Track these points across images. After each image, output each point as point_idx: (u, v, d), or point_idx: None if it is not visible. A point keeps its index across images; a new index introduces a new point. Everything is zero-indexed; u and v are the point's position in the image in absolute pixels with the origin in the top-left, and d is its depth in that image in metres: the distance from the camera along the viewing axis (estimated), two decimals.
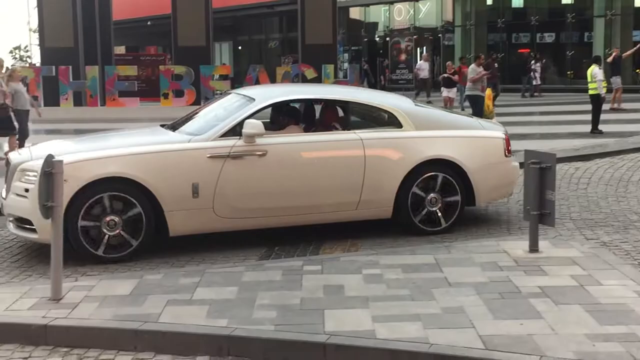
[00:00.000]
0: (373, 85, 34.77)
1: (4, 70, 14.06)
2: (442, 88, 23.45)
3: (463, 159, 7.59)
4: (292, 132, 7.66)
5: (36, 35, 74.12)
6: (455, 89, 23.07)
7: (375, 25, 43.60)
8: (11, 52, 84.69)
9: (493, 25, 36.66)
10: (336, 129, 7.80)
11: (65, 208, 6.10)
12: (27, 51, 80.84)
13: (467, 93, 17.25)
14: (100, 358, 4.71)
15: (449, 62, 25.92)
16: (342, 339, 4.57)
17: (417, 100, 11.79)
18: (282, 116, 8.13)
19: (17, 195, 6.76)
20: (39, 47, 26.95)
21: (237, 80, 25.24)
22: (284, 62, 28.83)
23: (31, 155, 7.08)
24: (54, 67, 22.15)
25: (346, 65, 36.19)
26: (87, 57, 22.98)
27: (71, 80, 22.33)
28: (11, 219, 6.94)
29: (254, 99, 7.60)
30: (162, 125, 8.46)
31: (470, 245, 7.02)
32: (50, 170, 5.37)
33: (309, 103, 8.37)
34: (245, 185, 7.02)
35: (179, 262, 6.91)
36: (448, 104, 22.43)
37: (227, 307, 5.21)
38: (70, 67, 22.17)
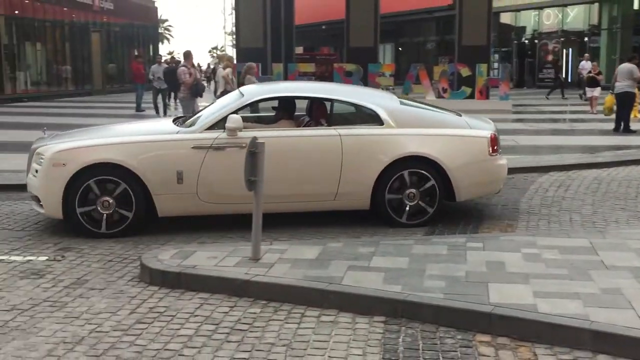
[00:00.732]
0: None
1: (221, 67, 14.95)
2: (586, 88, 22.58)
3: (441, 156, 7.23)
4: (284, 127, 7.68)
5: (230, 37, 79.16)
6: (599, 88, 22.01)
7: (524, 28, 43.23)
8: (209, 51, 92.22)
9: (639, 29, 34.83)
10: (322, 125, 7.62)
11: (65, 188, 6.73)
12: (222, 50, 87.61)
13: (616, 91, 16.29)
14: (293, 311, 4.95)
15: (594, 63, 24.85)
16: (506, 310, 4.57)
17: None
18: (278, 112, 8.23)
19: (33, 175, 7.17)
20: (233, 48, 28.32)
21: (398, 77, 25.28)
22: (440, 62, 28.53)
23: (48, 141, 7.44)
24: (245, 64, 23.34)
25: (497, 64, 35.30)
26: (273, 56, 24.07)
27: (260, 75, 23.35)
28: (31, 195, 7.32)
29: (243, 95, 7.66)
30: (177, 118, 8.61)
31: (624, 232, 6.71)
32: (254, 150, 5.65)
33: (296, 100, 8.21)
34: (226, 174, 6.96)
35: (355, 232, 7.11)
36: (592, 103, 21.51)
37: (400, 275, 5.33)
38: (260, 64, 23.18)
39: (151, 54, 44.14)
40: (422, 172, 7.23)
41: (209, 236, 7.09)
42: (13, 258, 6.30)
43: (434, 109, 8.48)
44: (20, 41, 30.15)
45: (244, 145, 6.42)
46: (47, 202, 6.93)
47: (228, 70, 15.22)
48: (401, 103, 8.03)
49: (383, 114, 7.38)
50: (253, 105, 8.15)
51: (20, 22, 29.85)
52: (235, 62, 23.22)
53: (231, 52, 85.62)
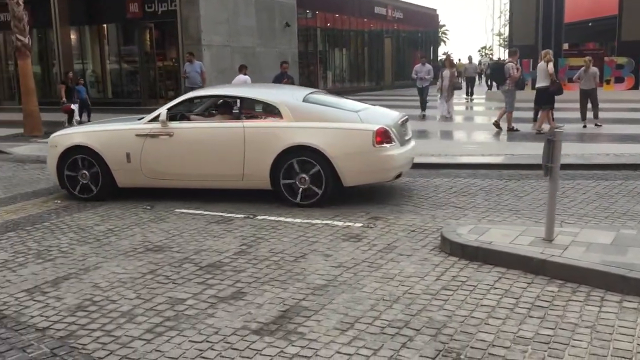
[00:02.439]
0: None
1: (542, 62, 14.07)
2: None
3: (325, 146, 7.09)
4: (218, 120, 8.02)
5: (497, 37, 76.68)
6: None
7: None
8: (479, 50, 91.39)
9: None
10: (238, 118, 7.84)
11: (57, 163, 8.00)
12: (490, 50, 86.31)
13: None
14: (591, 294, 4.37)
15: None
16: None
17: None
18: (218, 108, 8.58)
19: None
20: (500, 47, 27.08)
21: None
22: None
23: (68, 130, 8.80)
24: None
25: None
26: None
27: (531, 70, 22.01)
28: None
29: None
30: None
31: None
32: (552, 139, 5.13)
33: (224, 99, 8.53)
34: (159, 156, 7.67)
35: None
36: None
37: None
38: (530, 60, 21.78)
39: (431, 55, 44.15)
40: (308, 159, 7.16)
41: (497, 215, 6.72)
42: (335, 223, 6.58)
43: (338, 105, 7.85)
44: (330, 47, 32.21)
45: (171, 134, 7.61)
46: (50, 170, 8.39)
47: (550, 64, 14.24)
48: (304, 100, 7.65)
49: (284, 110, 7.41)
50: (185, 103, 8.36)
51: (331, 33, 31.82)
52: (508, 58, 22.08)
53: (498, 51, 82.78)
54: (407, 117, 8.14)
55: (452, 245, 5.38)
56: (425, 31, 45.26)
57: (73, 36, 23.02)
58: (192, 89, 16.27)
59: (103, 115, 19.16)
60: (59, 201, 7.95)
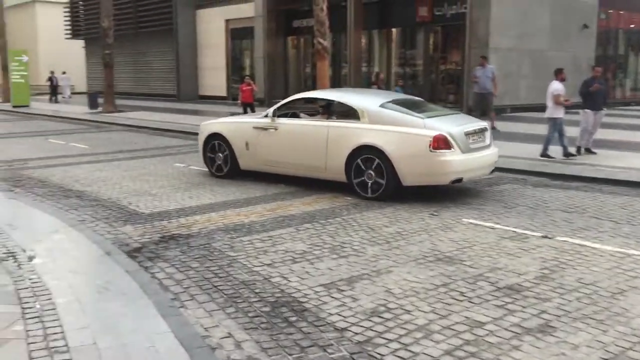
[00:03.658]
0: None
1: None
2: None
3: (387, 146, 7.82)
4: (315, 119, 9.25)
5: None
6: None
7: None
8: None
9: None
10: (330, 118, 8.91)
11: (202, 146, 10.09)
12: None
13: None
14: None
15: None
16: None
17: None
18: (322, 108, 9.68)
19: None
20: None
21: None
22: None
23: (212, 120, 10.59)
24: None
25: None
26: None
27: None
28: None
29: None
30: None
31: None
32: None
33: (320, 101, 9.82)
34: (267, 145, 9.13)
35: None
36: None
37: None
38: None
39: None
40: (372, 156, 7.92)
41: None
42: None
43: (409, 112, 8.18)
44: (634, 51, 28.58)
45: (277, 128, 8.98)
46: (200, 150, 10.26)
47: None
48: (381, 105, 8.28)
49: (361, 113, 8.28)
50: (289, 105, 9.45)
51: (635, 35, 28.23)
52: None
53: None
54: (483, 126, 8.43)
55: None
56: None
57: (363, 40, 24.28)
58: (481, 95, 15.76)
59: None
60: (349, 198, 8.21)
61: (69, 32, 40.67)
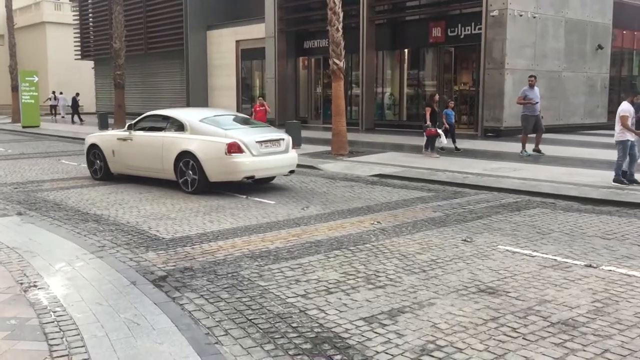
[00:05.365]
0: None
1: None
2: None
3: (198, 151, 9.99)
4: (155, 131, 11.05)
5: None
6: None
7: None
8: None
9: None
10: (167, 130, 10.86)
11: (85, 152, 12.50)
12: None
13: None
14: None
15: None
16: None
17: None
18: (156, 123, 11.29)
19: None
20: None
21: None
22: None
23: (94, 134, 13.15)
24: None
25: None
26: None
27: None
28: None
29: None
30: None
31: None
32: None
33: (163, 117, 11.28)
34: (125, 153, 11.30)
35: None
36: None
37: None
38: None
39: None
40: (189, 159, 10.10)
41: None
42: None
43: (219, 125, 10.34)
44: None
45: (132, 139, 11.05)
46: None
47: None
48: (201, 120, 10.43)
49: (186, 126, 10.38)
50: (145, 120, 11.41)
51: None
52: None
53: None
54: (279, 137, 10.63)
55: None
56: None
57: (376, 61, 24.18)
58: (535, 117, 14.53)
59: (395, 137, 19.67)
60: (375, 223, 7.94)
61: (78, 52, 40.84)
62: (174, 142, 10.43)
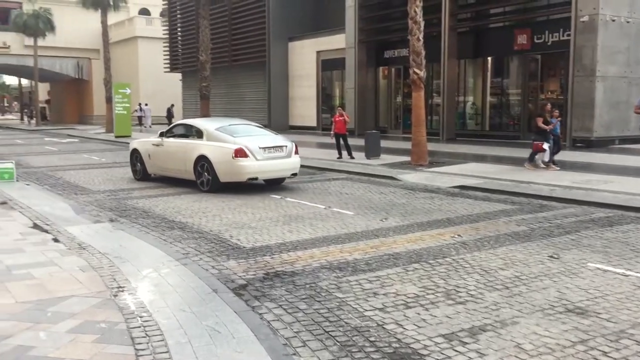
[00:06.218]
0: None
1: None
2: None
3: (211, 155, 11.58)
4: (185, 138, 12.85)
5: None
6: None
7: None
8: None
9: None
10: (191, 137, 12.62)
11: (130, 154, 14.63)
12: None
13: None
14: None
15: None
16: None
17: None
18: (182, 131, 13.19)
19: None
20: None
21: None
22: None
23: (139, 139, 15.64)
24: None
25: None
26: None
27: None
28: None
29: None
30: None
31: None
32: None
33: (188, 126, 13.15)
34: (160, 156, 13.06)
35: None
36: None
37: None
38: None
39: None
40: (204, 162, 11.76)
41: None
42: None
43: (231, 133, 11.99)
44: None
45: (163, 144, 12.91)
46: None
47: None
48: (216, 129, 12.12)
49: (205, 133, 12.14)
50: (175, 128, 13.47)
51: None
52: None
53: None
54: (282, 144, 12.04)
55: None
56: None
57: (457, 69, 23.76)
58: None
59: (477, 148, 19.22)
60: (456, 236, 7.77)
61: (167, 65, 42.66)
62: (194, 147, 12.04)
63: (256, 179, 11.77)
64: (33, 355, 3.92)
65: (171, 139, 12.92)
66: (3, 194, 11.19)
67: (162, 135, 13.22)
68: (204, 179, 11.71)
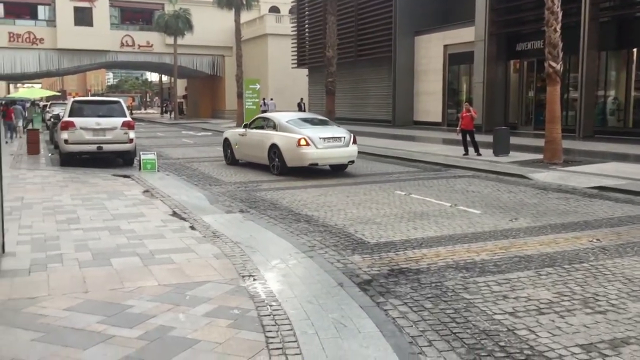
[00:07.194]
0: None
1: None
2: None
3: (280, 144, 13.54)
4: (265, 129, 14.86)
5: None
6: None
7: None
8: None
9: None
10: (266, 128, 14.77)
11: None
12: None
13: None
14: None
15: None
16: None
17: None
18: (261, 123, 15.26)
19: None
20: None
21: None
22: None
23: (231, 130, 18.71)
24: None
25: None
26: None
27: None
28: None
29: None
30: None
31: None
32: None
33: (266, 119, 15.19)
34: (244, 144, 15.30)
35: None
36: None
37: None
38: None
39: None
40: (275, 150, 13.76)
41: None
42: None
43: (298, 124, 14.03)
44: None
45: (246, 134, 15.24)
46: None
47: None
48: (286, 121, 14.12)
49: (277, 124, 14.10)
50: (257, 120, 15.46)
51: None
52: None
53: None
54: (340, 135, 13.71)
55: None
56: None
57: (597, 62, 22.20)
58: None
59: (619, 146, 17.83)
60: (594, 240, 7.28)
61: (294, 61, 43.81)
62: (268, 137, 14.09)
63: (317, 164, 13.84)
64: (174, 336, 4.20)
65: (253, 130, 15.07)
66: (147, 183, 12.09)
67: (245, 126, 15.59)
68: (275, 163, 13.72)
